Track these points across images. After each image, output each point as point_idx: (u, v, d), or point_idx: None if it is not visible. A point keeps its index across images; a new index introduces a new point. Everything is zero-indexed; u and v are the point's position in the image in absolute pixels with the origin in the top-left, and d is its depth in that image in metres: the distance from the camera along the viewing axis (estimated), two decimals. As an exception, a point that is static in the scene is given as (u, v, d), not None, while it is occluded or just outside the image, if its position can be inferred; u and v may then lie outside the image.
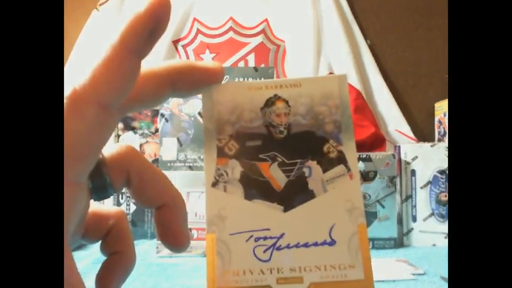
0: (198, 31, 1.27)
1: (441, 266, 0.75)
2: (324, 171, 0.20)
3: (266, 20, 1.28)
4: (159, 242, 0.81)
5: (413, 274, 0.72)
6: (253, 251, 0.19)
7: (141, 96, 0.21)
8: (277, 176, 0.21)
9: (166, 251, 0.80)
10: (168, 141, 0.95)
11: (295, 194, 0.20)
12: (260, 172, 0.21)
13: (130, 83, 0.19)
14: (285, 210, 0.20)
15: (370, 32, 1.29)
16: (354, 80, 1.21)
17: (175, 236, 0.23)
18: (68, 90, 0.19)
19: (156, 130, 1.02)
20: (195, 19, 1.28)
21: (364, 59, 1.26)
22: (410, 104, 1.28)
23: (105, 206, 0.26)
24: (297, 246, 0.19)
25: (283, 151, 0.21)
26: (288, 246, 0.19)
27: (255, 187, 0.20)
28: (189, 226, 0.79)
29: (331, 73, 1.24)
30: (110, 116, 0.19)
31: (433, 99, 1.17)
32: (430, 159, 0.89)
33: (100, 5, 1.25)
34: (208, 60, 1.19)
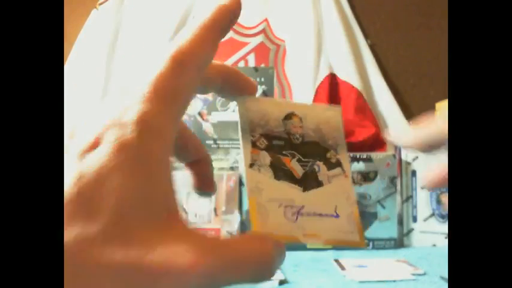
0: (198, 31, 1.27)
1: (441, 266, 0.75)
2: (328, 169, 0.27)
3: (266, 19, 1.28)
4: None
5: (413, 274, 0.72)
6: (284, 213, 0.25)
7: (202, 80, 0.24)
8: (296, 168, 0.27)
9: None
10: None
11: (310, 181, 0.27)
12: (284, 163, 0.27)
13: (212, 57, 0.23)
14: (304, 190, 0.26)
15: (371, 32, 1.29)
16: (354, 80, 1.21)
17: (211, 185, 0.28)
18: (171, 51, 0.21)
19: (156, 130, 1.02)
20: (195, 19, 1.28)
21: (365, 59, 1.26)
22: (411, 103, 1.28)
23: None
24: (314, 214, 0.26)
25: (299, 152, 0.28)
26: (308, 214, 0.26)
27: (281, 172, 0.26)
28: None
29: (331, 73, 1.24)
30: (199, 79, 0.22)
31: (434, 99, 1.16)
32: (431, 159, 0.88)
33: (99, 4, 1.25)
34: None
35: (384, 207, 0.88)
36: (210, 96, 1.05)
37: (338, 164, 0.28)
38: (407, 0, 1.29)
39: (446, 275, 0.70)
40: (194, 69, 0.21)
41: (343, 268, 0.77)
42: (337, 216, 0.26)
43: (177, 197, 0.20)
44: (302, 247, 0.90)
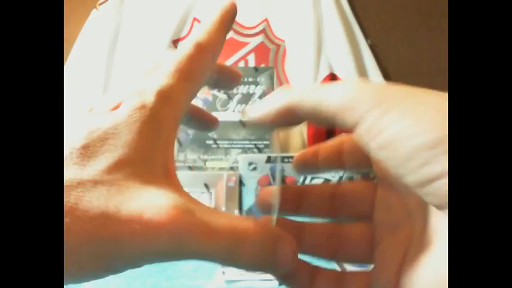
0: (198, 31, 1.27)
1: (441, 266, 0.75)
2: None
3: (266, 19, 1.28)
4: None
5: (414, 274, 0.72)
6: None
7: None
8: None
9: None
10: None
11: None
12: None
13: (221, 48, 0.26)
14: None
15: (371, 32, 1.29)
16: (354, 80, 1.21)
17: (214, 119, 0.32)
18: (193, 39, 0.24)
19: (156, 130, 1.02)
20: (194, 19, 1.28)
21: (365, 59, 1.26)
22: (411, 104, 1.28)
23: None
24: None
25: None
26: None
27: None
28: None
29: (331, 73, 1.24)
30: (213, 64, 0.26)
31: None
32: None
33: (99, 4, 1.25)
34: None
35: (383, 207, 0.88)
36: (210, 96, 1.05)
37: None
38: (407, 0, 1.29)
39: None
40: (210, 55, 0.25)
41: (343, 268, 0.77)
42: None
43: (173, 161, 0.22)
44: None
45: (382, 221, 0.25)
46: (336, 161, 0.27)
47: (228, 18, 0.26)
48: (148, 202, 0.19)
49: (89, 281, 0.19)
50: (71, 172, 0.19)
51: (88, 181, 0.19)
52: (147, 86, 0.22)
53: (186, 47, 0.24)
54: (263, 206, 0.26)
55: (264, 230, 0.21)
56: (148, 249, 0.19)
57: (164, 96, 0.22)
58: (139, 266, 0.20)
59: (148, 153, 0.20)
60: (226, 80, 0.29)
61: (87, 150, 0.20)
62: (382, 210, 0.25)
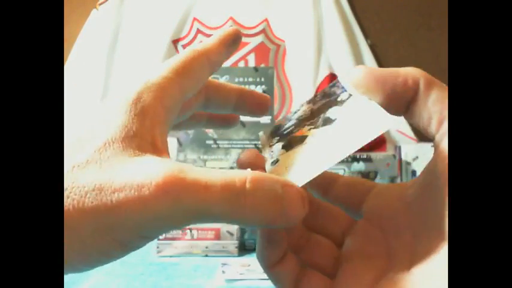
0: (198, 31, 1.27)
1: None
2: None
3: (266, 19, 1.28)
4: (159, 241, 0.81)
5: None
6: None
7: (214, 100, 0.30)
8: None
9: (166, 251, 0.80)
10: (168, 141, 0.95)
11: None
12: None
13: (223, 60, 0.28)
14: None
15: (371, 32, 1.29)
16: (354, 80, 1.20)
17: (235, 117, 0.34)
18: (195, 47, 0.26)
19: (156, 130, 1.02)
20: (195, 19, 1.28)
21: (365, 59, 1.26)
22: (411, 104, 1.28)
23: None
24: None
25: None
26: None
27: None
28: (189, 226, 0.79)
29: (331, 73, 1.24)
30: (211, 68, 0.27)
31: (433, 99, 1.16)
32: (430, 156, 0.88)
33: (99, 4, 1.25)
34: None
35: (383, 207, 0.88)
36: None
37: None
38: (407, 0, 1.29)
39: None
40: (204, 57, 0.26)
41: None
42: None
43: (164, 140, 0.23)
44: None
45: (355, 246, 0.25)
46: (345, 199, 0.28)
47: (229, 37, 0.27)
48: (139, 169, 0.20)
49: (100, 264, 0.20)
50: (67, 160, 0.20)
51: (81, 162, 0.20)
52: (136, 79, 0.24)
53: (187, 51, 0.26)
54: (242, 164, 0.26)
55: (264, 176, 0.20)
56: (146, 214, 0.19)
57: (149, 83, 0.23)
58: (146, 238, 0.20)
59: (135, 131, 0.21)
60: (249, 104, 0.31)
61: (80, 141, 0.21)
62: (358, 237, 0.25)
